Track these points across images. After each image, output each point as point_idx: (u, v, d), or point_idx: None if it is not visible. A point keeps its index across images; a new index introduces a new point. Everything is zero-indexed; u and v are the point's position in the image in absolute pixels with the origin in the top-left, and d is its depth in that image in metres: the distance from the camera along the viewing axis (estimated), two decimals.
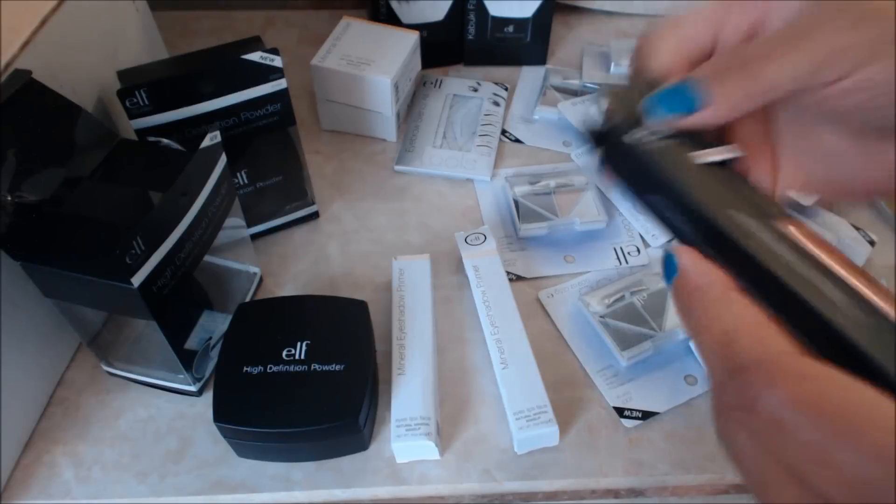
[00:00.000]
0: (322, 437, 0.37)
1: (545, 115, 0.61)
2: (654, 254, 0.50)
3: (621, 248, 0.51)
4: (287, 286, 0.49)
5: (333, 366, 0.38)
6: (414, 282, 0.45)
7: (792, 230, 0.22)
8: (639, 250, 0.50)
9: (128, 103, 0.40)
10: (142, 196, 0.38)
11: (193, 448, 0.40)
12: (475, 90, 0.63)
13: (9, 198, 0.34)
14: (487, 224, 0.52)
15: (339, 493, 0.39)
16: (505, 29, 0.64)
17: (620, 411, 0.41)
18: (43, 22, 0.39)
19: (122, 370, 0.43)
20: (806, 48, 0.22)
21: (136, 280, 0.33)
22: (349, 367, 0.38)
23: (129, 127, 0.41)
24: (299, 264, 0.50)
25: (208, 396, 0.42)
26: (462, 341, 0.45)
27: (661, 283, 0.46)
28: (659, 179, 0.24)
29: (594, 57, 0.66)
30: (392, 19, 0.62)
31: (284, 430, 0.36)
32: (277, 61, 0.42)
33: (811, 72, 0.22)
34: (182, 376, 0.41)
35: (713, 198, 0.23)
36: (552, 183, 0.53)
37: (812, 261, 0.21)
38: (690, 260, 0.23)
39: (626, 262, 0.50)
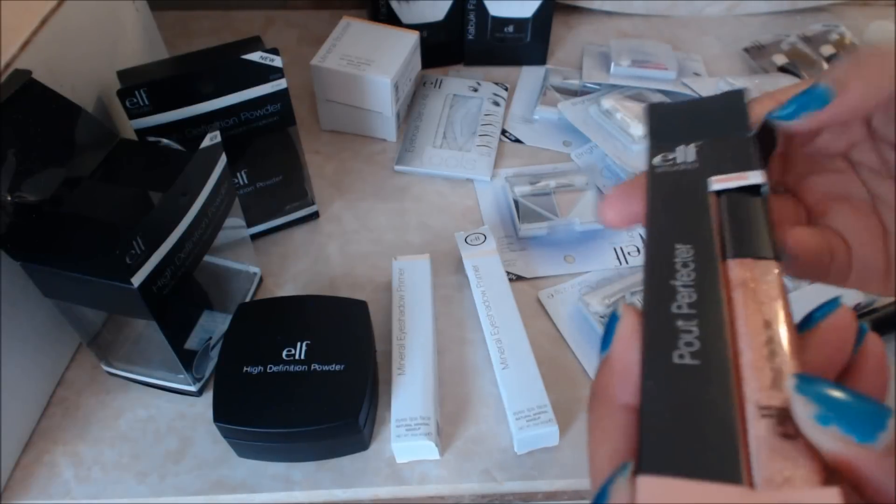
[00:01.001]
0: (322, 437, 0.37)
1: (545, 115, 0.61)
2: None
3: (621, 249, 0.51)
4: (287, 286, 0.49)
5: (333, 366, 0.38)
6: (414, 282, 0.45)
7: (736, 273, 0.18)
8: (639, 250, 0.50)
9: (128, 103, 0.40)
10: (142, 196, 0.38)
11: (193, 448, 0.40)
12: (475, 90, 0.63)
13: (9, 198, 0.33)
14: (487, 224, 0.52)
15: (339, 494, 0.39)
16: (505, 29, 0.64)
17: None
18: (43, 22, 0.39)
19: (122, 370, 0.43)
20: None
21: (136, 280, 0.33)
22: (349, 367, 0.38)
23: (129, 127, 0.41)
24: (299, 264, 0.50)
25: (208, 396, 0.42)
26: (462, 341, 0.45)
27: None
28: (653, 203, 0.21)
29: (594, 57, 0.66)
30: (392, 19, 0.62)
31: (284, 430, 0.36)
32: (277, 61, 0.42)
33: None
34: (182, 376, 0.41)
35: (674, 223, 0.20)
36: (552, 183, 0.53)
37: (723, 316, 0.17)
38: (629, 332, 0.18)
39: (626, 262, 0.50)
